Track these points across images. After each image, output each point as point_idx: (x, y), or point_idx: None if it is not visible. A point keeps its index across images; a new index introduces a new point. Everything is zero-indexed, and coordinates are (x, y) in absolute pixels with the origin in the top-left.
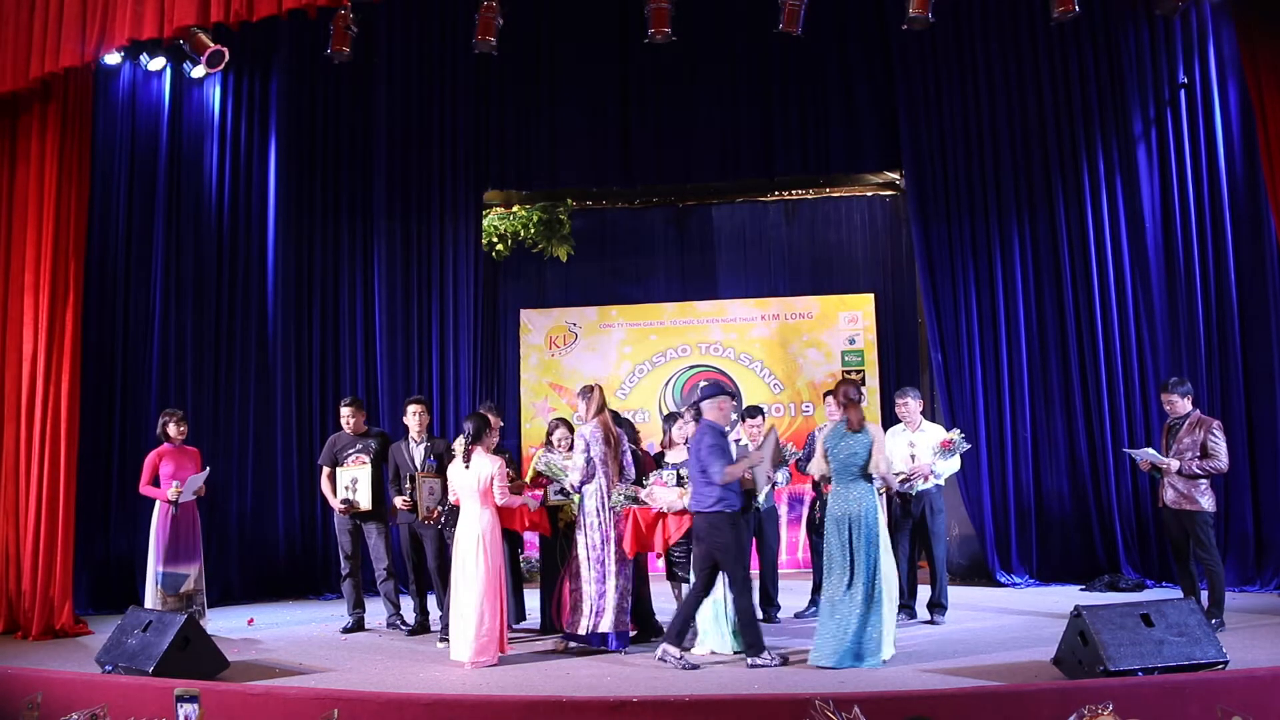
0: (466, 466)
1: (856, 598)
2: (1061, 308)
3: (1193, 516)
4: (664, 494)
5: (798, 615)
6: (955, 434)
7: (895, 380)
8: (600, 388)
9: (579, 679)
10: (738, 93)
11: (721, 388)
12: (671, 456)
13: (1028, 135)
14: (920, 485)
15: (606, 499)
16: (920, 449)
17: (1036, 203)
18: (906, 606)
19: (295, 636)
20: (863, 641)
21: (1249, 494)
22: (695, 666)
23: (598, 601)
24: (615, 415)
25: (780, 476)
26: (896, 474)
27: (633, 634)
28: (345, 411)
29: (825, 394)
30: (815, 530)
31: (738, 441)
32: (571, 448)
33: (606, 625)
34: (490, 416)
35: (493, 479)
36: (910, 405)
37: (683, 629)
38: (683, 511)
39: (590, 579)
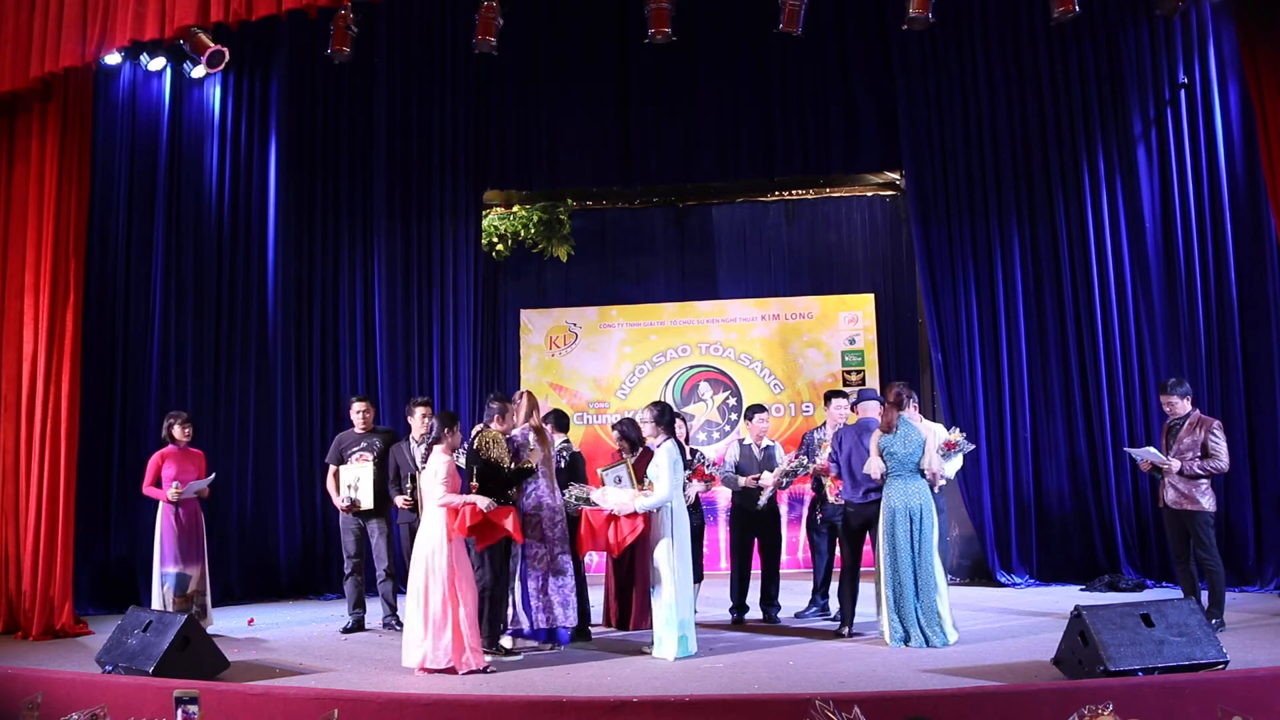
0: (423, 466)
1: (932, 583)
2: (1061, 308)
3: (1193, 516)
4: (616, 495)
5: (798, 615)
6: (957, 434)
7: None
8: (529, 393)
9: (579, 679)
10: (738, 93)
11: (868, 394)
12: None
13: (1028, 135)
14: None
15: (551, 498)
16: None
17: (1036, 203)
18: None
19: (295, 636)
20: (941, 624)
21: (1249, 494)
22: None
23: (552, 596)
24: (554, 417)
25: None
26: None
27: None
28: (358, 407)
29: (826, 394)
30: (815, 530)
31: (741, 440)
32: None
33: (567, 621)
34: (451, 413)
35: (435, 476)
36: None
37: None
38: (634, 514)
39: (556, 572)
